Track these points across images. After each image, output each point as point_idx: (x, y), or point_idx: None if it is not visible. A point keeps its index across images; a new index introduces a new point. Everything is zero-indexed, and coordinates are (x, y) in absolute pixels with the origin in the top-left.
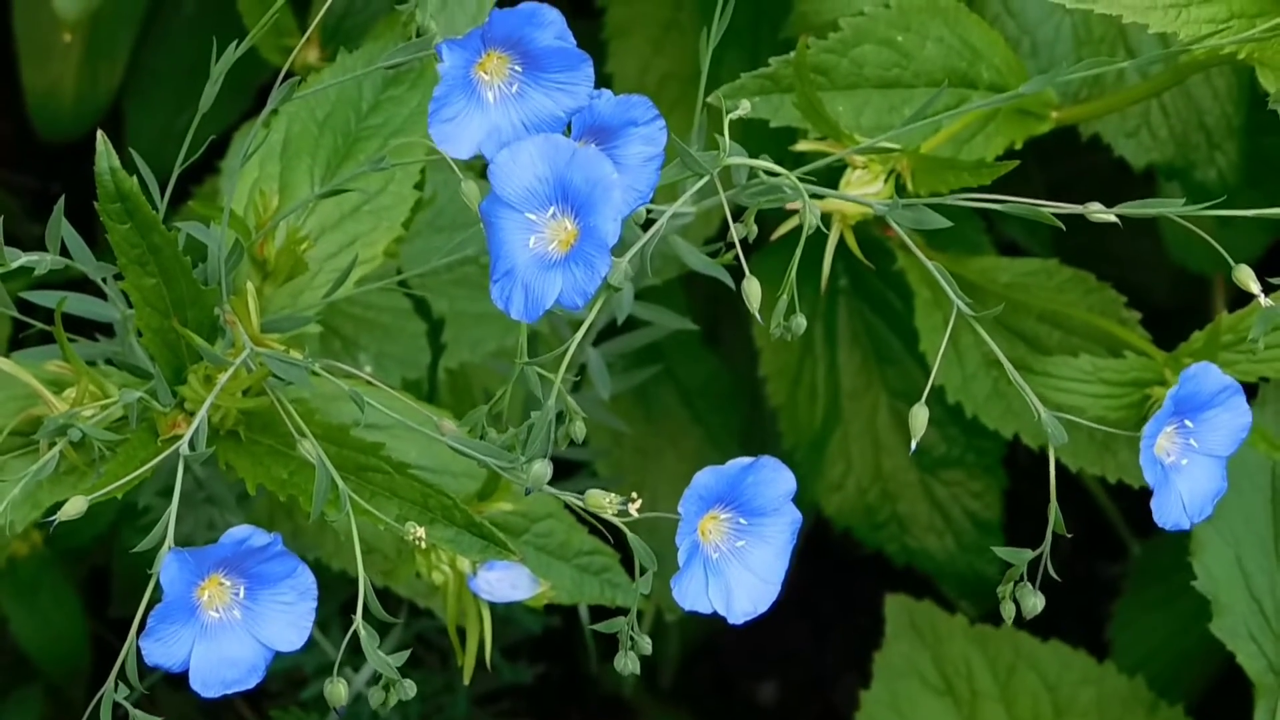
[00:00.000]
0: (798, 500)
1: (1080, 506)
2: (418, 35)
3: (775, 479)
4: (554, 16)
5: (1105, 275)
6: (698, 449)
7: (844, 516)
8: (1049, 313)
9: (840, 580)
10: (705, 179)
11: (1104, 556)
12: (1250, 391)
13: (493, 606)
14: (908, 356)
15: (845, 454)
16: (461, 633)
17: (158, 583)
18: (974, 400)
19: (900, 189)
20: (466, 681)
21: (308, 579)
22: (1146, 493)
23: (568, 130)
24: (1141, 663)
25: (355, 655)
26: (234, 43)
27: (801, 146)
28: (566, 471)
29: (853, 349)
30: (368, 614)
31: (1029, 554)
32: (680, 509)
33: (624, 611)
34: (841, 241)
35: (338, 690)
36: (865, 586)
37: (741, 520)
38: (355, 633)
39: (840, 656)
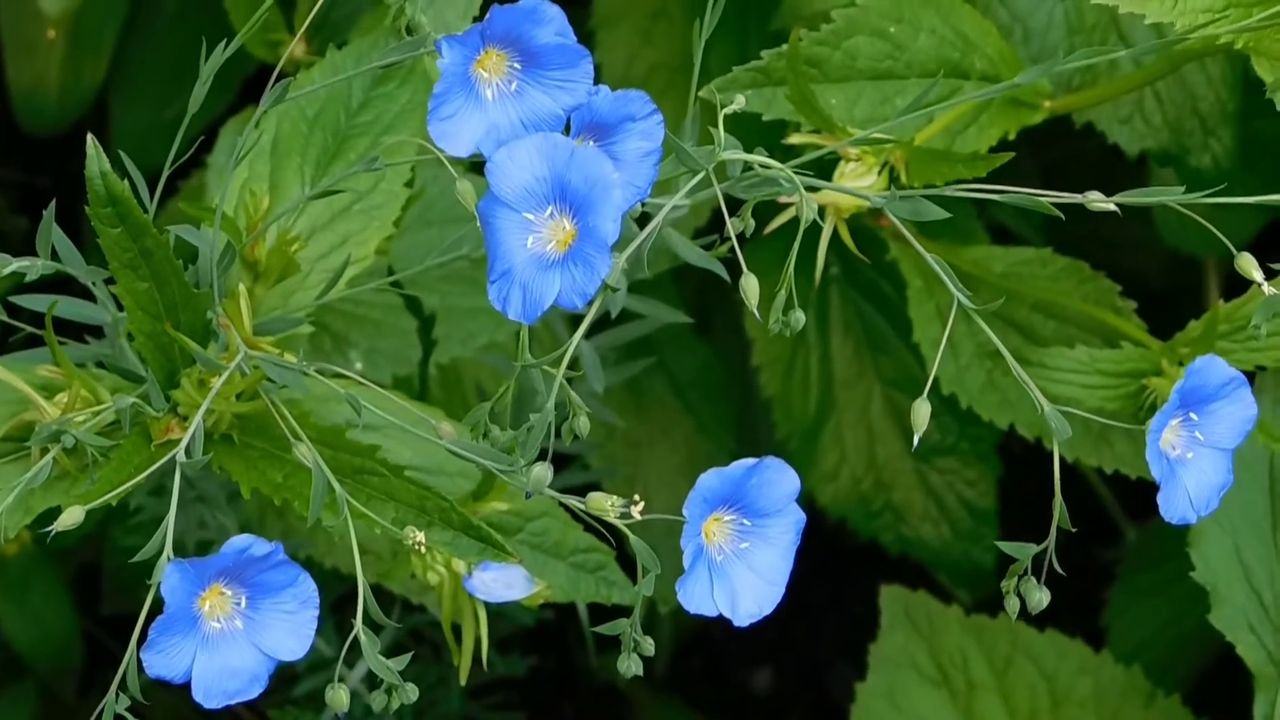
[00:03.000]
0: None
1: (1075, 492)
2: (408, 31)
3: (779, 480)
4: (554, 13)
5: (1098, 260)
6: (690, 440)
7: (839, 506)
8: (1044, 302)
9: (834, 570)
10: (701, 174)
11: (1099, 542)
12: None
13: (487, 602)
14: (901, 345)
15: (839, 443)
16: (456, 630)
17: (155, 590)
18: (969, 392)
19: (894, 181)
20: (463, 681)
21: (309, 587)
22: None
23: (567, 128)
24: (1137, 649)
25: (348, 651)
26: (223, 42)
27: (794, 139)
28: (558, 465)
29: (845, 337)
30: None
31: (1033, 548)
32: (685, 511)
33: (620, 608)
34: (833, 229)
35: (339, 696)
36: (860, 576)
37: (745, 522)
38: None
39: (834, 647)
